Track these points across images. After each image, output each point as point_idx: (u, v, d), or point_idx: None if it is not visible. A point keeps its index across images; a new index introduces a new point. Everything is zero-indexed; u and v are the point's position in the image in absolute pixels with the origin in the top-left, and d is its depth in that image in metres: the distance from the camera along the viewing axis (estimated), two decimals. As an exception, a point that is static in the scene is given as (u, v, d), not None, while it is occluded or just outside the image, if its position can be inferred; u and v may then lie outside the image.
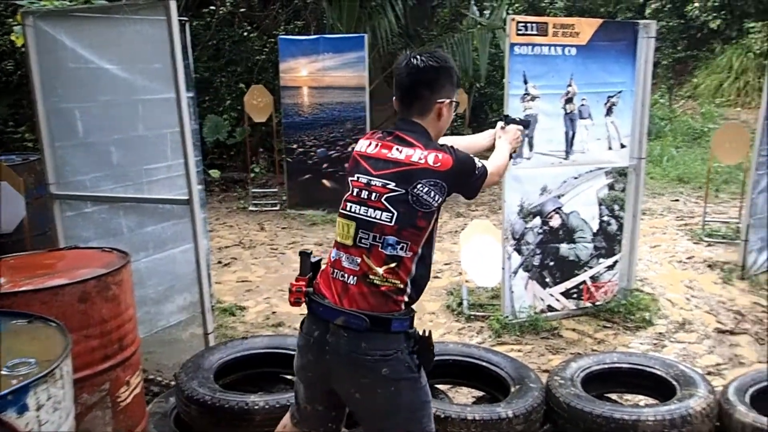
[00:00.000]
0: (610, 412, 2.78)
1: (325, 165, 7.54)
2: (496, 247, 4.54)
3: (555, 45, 4.27)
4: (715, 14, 15.19)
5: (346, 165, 2.25)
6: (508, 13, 9.52)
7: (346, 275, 2.03)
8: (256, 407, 2.65)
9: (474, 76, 9.94)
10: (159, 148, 3.61)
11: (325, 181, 7.56)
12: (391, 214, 1.99)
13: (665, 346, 4.19)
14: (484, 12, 10.77)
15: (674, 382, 3.05)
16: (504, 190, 4.33)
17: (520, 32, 4.18)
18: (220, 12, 9.27)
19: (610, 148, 4.54)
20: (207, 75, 9.00)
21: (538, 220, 4.41)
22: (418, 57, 2.08)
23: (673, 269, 5.56)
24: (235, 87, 9.24)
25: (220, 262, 5.86)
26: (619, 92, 4.49)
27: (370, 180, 2.05)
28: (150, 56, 3.42)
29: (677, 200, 7.99)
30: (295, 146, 7.64)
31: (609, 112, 4.49)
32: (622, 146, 4.56)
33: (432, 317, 4.63)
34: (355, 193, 2.08)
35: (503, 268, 4.37)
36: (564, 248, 4.50)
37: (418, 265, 2.02)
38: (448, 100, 2.13)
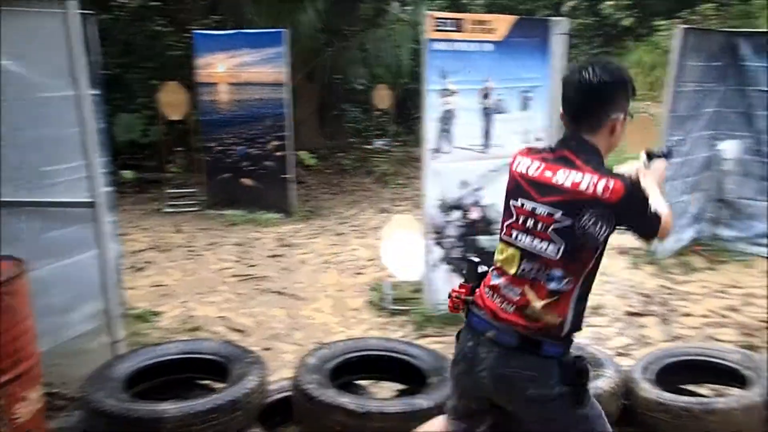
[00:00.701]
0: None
1: (245, 163, 7.41)
2: (417, 242, 4.57)
3: (472, 41, 4.33)
4: (627, 13, 15.86)
5: (506, 184, 2.07)
6: (430, 10, 9.61)
7: (504, 303, 1.97)
8: (167, 415, 2.56)
9: (396, 72, 10.00)
10: (61, 148, 3.42)
11: (245, 180, 7.43)
12: (557, 247, 1.88)
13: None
14: (406, 8, 10.84)
15: (586, 366, 3.15)
16: (424, 185, 4.37)
17: (437, 28, 4.22)
18: (130, 5, 8.94)
19: (526, 142, 4.64)
20: (118, 72, 8.66)
21: (458, 213, 4.46)
22: (591, 70, 1.91)
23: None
24: (148, 84, 8.93)
25: (133, 267, 5.65)
26: (534, 87, 4.60)
27: (535, 208, 1.93)
28: (48, 51, 3.24)
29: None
30: (213, 144, 7.47)
31: (524, 106, 4.60)
32: (538, 140, 4.67)
33: (355, 313, 4.63)
34: (520, 221, 1.97)
35: (425, 262, 4.40)
36: (483, 240, 4.58)
37: (579, 299, 1.94)
38: (622, 115, 1.96)
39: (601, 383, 2.94)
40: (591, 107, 1.93)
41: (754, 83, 5.88)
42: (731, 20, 14.63)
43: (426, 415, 2.57)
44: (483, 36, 4.33)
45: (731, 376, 3.16)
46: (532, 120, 4.60)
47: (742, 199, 6.09)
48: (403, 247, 4.75)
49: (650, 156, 2.18)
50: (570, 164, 1.90)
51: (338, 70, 10.39)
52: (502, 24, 4.38)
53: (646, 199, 1.90)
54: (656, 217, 1.91)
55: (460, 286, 2.10)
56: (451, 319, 4.36)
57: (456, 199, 4.42)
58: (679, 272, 5.47)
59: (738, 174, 6.07)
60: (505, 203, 2.05)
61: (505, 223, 2.03)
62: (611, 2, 15.66)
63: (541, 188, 1.92)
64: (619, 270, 5.43)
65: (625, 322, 4.49)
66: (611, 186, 1.81)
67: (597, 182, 1.82)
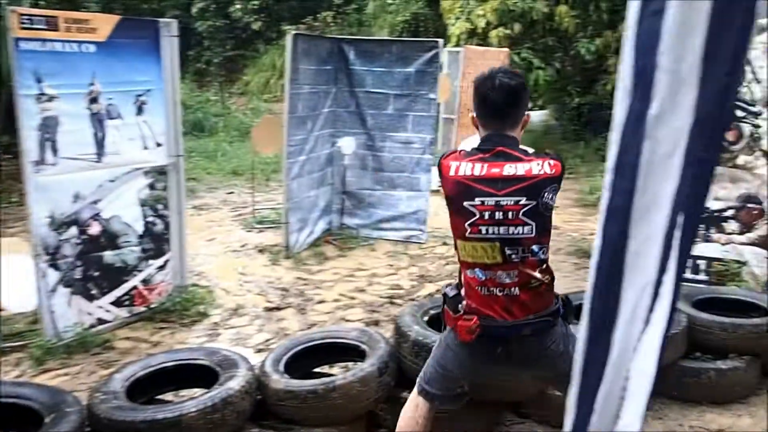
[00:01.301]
0: (153, 415, 2.73)
1: None
2: (27, 266, 4.04)
3: (70, 41, 3.96)
4: (256, 16, 16.44)
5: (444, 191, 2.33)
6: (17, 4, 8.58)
7: (506, 289, 2.25)
8: None
9: None
10: None
11: None
12: (530, 226, 2.21)
13: (220, 334, 4.34)
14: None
15: (218, 368, 3.15)
16: (28, 202, 3.87)
17: (25, 26, 3.74)
18: None
19: (145, 148, 4.44)
20: None
21: (74, 230, 4.07)
22: (504, 77, 2.26)
23: (227, 259, 5.81)
24: None
25: None
26: (148, 91, 4.42)
27: (499, 201, 2.19)
28: None
29: (232, 192, 8.40)
30: None
31: (140, 111, 4.38)
32: (159, 145, 4.51)
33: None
34: (487, 216, 2.21)
35: (39, 288, 3.91)
36: (109, 255, 4.26)
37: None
38: (528, 111, 2.38)
39: (232, 383, 2.96)
40: (512, 108, 2.29)
41: (361, 85, 6.60)
42: (349, 27, 16.30)
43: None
44: (83, 36, 4.00)
45: (354, 353, 3.46)
46: (149, 125, 4.42)
47: (362, 190, 6.80)
48: (13, 275, 4.16)
49: None
50: (511, 158, 2.24)
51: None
52: (104, 24, 4.09)
53: None
54: None
55: (463, 319, 2.29)
56: (78, 346, 4.00)
57: (70, 214, 4.02)
58: (313, 263, 5.86)
59: (356, 167, 6.76)
60: (457, 207, 2.26)
61: (467, 223, 2.24)
62: (239, 5, 16.09)
63: (496, 183, 2.21)
64: (258, 268, 5.60)
65: (264, 318, 4.63)
66: (553, 163, 2.25)
67: (543, 164, 2.23)
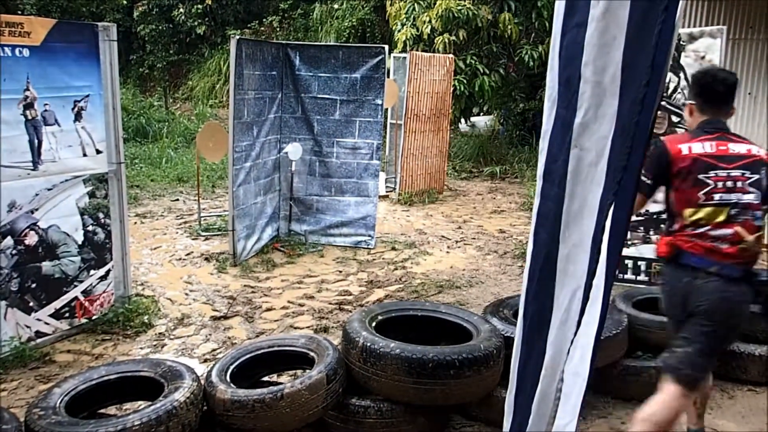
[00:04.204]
0: (94, 430, 2.65)
1: None
2: (-41, 279, 3.88)
3: (3, 45, 3.82)
4: (199, 20, 16.21)
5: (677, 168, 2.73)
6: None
7: (717, 242, 2.63)
8: None
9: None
10: None
11: None
12: (755, 194, 2.67)
13: (165, 344, 4.24)
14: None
15: (163, 380, 3.08)
16: (-41, 212, 3.72)
17: (-46, 29, 3.61)
18: None
19: (84, 155, 4.32)
20: None
21: (9, 240, 3.92)
22: (723, 73, 2.86)
23: (173, 267, 5.70)
24: None
25: None
26: (87, 96, 4.30)
27: (729, 173, 2.67)
28: None
29: (177, 200, 8.26)
30: None
31: (78, 117, 4.27)
32: (98, 152, 4.40)
33: None
34: (720, 186, 2.66)
35: (-28, 302, 3.76)
36: (47, 266, 4.13)
37: None
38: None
39: (177, 395, 2.90)
40: (730, 98, 2.81)
41: (307, 90, 6.59)
42: (295, 32, 16.21)
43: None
44: (17, 40, 3.87)
45: (303, 360, 3.43)
46: (88, 131, 4.30)
47: (310, 196, 6.77)
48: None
49: None
50: (731, 140, 2.76)
51: None
52: (38, 27, 3.97)
53: None
54: None
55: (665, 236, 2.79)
56: (15, 361, 3.86)
57: (5, 224, 3.88)
58: (261, 270, 5.79)
59: (304, 173, 6.73)
60: (693, 180, 2.68)
61: (702, 192, 2.68)
62: (183, 9, 15.84)
63: (725, 159, 2.69)
64: (205, 276, 5.51)
65: (211, 327, 4.55)
66: (764, 150, 2.76)
67: (758, 150, 2.75)
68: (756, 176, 2.71)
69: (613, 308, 3.79)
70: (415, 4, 11.00)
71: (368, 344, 3.21)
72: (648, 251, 5.33)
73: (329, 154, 6.68)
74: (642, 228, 5.36)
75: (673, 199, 2.79)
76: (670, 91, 5.11)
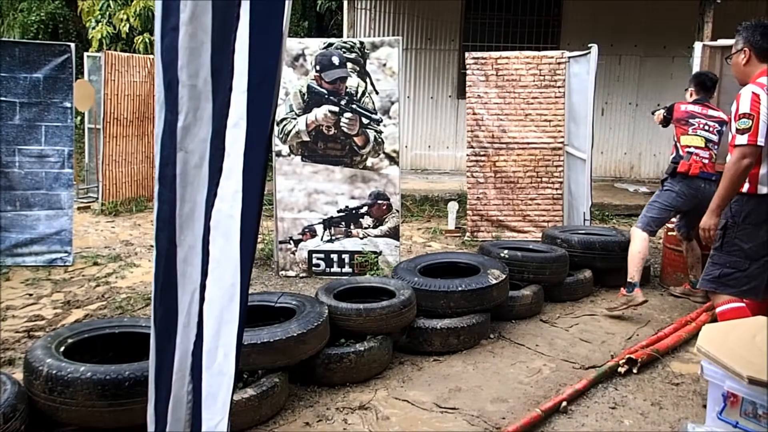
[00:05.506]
0: None
1: None
2: None
3: None
4: None
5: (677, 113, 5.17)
6: None
7: (704, 160, 4.96)
8: None
9: None
10: None
11: None
12: (717, 137, 5.00)
13: None
14: None
15: None
16: None
17: None
18: None
19: None
20: None
21: None
22: (710, 74, 5.35)
23: None
24: None
25: None
26: None
27: (707, 123, 5.00)
28: None
29: None
30: None
31: None
32: None
33: None
34: (701, 126, 4.99)
35: None
36: None
37: None
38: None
39: None
40: (713, 88, 5.22)
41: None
42: None
43: None
44: None
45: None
46: None
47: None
48: None
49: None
50: (710, 107, 5.10)
51: None
52: None
53: None
54: None
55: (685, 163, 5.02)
56: None
57: None
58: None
59: None
60: (685, 121, 5.05)
61: (691, 128, 5.02)
62: None
63: (706, 116, 5.04)
64: None
65: None
66: (725, 115, 4.84)
67: (723, 114, 4.89)
68: (720, 127, 4.99)
69: (315, 301, 3.97)
70: (110, 1, 10.29)
71: (53, 372, 2.91)
72: (350, 245, 5.71)
73: (10, 164, 5.91)
74: (344, 223, 5.72)
75: (675, 133, 5.15)
76: (359, 95, 5.52)
